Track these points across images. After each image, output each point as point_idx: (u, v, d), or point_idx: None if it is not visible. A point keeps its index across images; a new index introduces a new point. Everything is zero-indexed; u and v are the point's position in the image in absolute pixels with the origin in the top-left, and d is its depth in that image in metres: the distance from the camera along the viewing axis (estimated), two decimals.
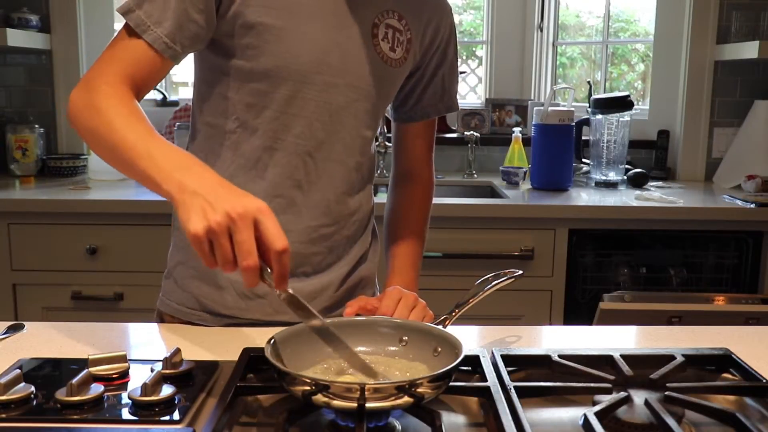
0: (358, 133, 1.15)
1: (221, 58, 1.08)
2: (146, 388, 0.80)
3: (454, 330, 0.92)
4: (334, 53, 1.09)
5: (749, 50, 2.42)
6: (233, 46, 1.06)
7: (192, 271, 1.16)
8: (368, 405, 0.71)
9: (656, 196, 2.32)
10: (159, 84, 3.01)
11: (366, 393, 0.71)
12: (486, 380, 0.84)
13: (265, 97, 1.08)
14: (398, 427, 0.77)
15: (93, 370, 0.87)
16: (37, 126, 2.65)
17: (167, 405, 0.81)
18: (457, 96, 1.32)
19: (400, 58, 1.15)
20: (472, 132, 2.79)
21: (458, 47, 1.28)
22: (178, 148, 0.91)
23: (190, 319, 1.17)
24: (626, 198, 2.34)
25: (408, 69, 1.20)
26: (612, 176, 2.58)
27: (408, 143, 1.31)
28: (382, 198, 1.39)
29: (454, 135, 2.87)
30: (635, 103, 2.60)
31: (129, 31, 1.01)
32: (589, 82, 2.87)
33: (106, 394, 0.83)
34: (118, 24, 2.83)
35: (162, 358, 0.89)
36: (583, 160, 2.70)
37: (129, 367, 0.90)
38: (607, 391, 0.83)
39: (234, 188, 0.83)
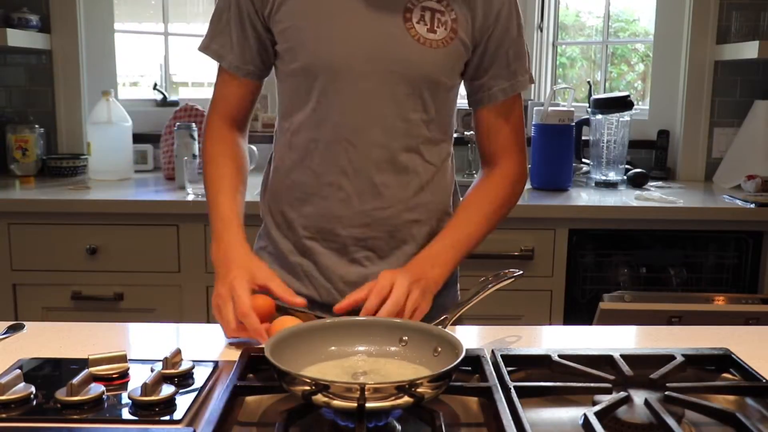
0: (401, 116, 1.16)
1: (277, 66, 1.22)
2: (146, 388, 0.80)
3: (454, 330, 0.92)
4: (362, 42, 1.12)
5: (749, 50, 2.42)
6: (279, 52, 1.18)
7: (270, 256, 1.28)
8: (368, 405, 0.71)
9: (656, 196, 2.32)
10: (160, 84, 3.01)
11: (366, 393, 0.71)
12: (486, 380, 0.84)
13: (304, 94, 1.16)
14: (398, 427, 0.77)
15: (93, 370, 0.87)
16: (37, 126, 2.64)
17: (167, 405, 0.81)
18: (530, 74, 1.24)
19: (444, 38, 1.14)
20: (472, 132, 2.78)
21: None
22: (227, 211, 1.18)
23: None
24: (626, 198, 2.33)
25: (460, 48, 1.16)
26: (612, 176, 2.58)
27: (484, 130, 1.26)
28: None
29: (455, 135, 2.86)
30: (635, 103, 2.60)
31: (218, 70, 1.25)
32: (589, 82, 2.87)
33: (106, 394, 0.83)
34: (119, 24, 2.84)
35: (162, 358, 0.89)
36: (583, 160, 2.70)
37: (129, 367, 0.90)
38: (607, 391, 0.83)
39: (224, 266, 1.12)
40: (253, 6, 1.17)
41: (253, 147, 2.28)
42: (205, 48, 1.23)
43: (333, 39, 1.13)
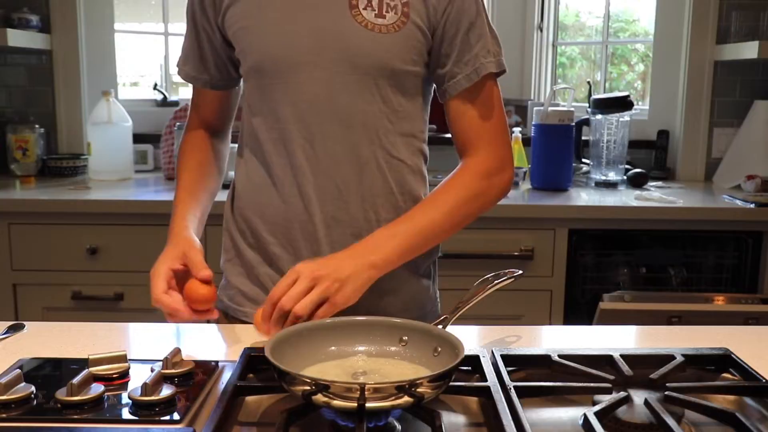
0: (357, 107, 1.11)
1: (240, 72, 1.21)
2: (146, 388, 0.80)
3: (454, 330, 0.92)
4: (307, 34, 1.10)
5: (749, 50, 2.42)
6: (237, 56, 1.18)
7: (238, 268, 1.23)
8: (368, 405, 0.71)
9: (656, 196, 2.32)
10: (160, 84, 3.01)
11: (366, 393, 0.71)
12: (486, 380, 0.84)
13: (258, 94, 1.15)
14: (398, 427, 0.77)
15: (93, 369, 0.87)
16: (37, 126, 2.64)
17: (167, 405, 0.81)
18: (496, 57, 1.14)
19: (395, 23, 1.09)
20: None
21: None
22: (187, 209, 1.19)
23: (237, 315, 1.22)
24: (626, 198, 2.34)
25: (416, 32, 1.11)
26: (612, 176, 2.58)
27: (452, 121, 1.18)
28: None
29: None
30: (635, 103, 2.60)
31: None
32: (588, 82, 2.87)
33: (106, 393, 0.83)
34: (119, 24, 2.84)
35: (162, 358, 0.89)
36: (583, 160, 2.70)
37: (129, 367, 0.90)
38: (607, 391, 0.83)
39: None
40: (207, 18, 1.17)
41: None
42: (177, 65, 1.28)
43: (277, 34, 1.10)
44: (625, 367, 0.89)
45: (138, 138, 2.67)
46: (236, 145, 1.25)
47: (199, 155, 1.26)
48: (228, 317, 1.23)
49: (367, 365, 0.87)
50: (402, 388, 0.72)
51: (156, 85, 3.00)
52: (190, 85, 1.27)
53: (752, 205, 2.22)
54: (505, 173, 1.17)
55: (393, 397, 0.72)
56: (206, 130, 1.28)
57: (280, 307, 0.96)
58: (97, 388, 0.82)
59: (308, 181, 1.13)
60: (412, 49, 1.11)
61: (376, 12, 1.09)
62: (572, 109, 2.49)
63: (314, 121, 1.11)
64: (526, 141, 2.69)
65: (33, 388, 0.83)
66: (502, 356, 0.92)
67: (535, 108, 2.50)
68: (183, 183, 1.22)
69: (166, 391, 0.82)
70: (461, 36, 1.12)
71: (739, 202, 2.27)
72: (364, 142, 1.12)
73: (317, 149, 1.12)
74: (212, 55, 1.21)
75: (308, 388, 0.73)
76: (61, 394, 0.81)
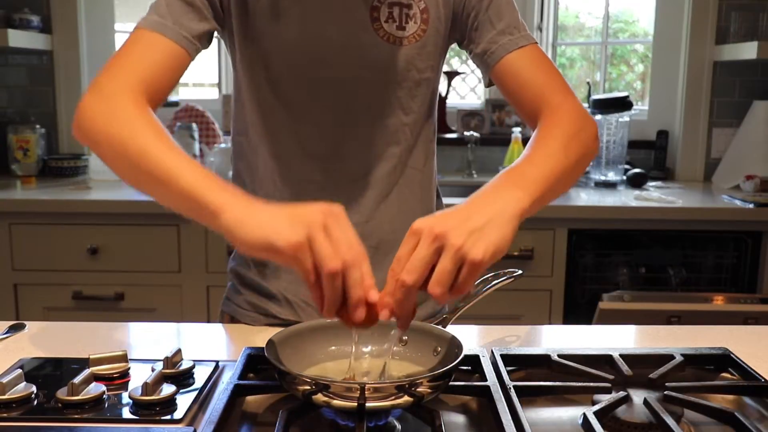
0: (377, 123, 1.10)
1: (240, 77, 1.11)
2: (147, 388, 0.80)
3: (454, 330, 0.93)
4: (327, 48, 1.06)
5: (748, 51, 2.43)
6: (242, 59, 1.09)
7: (246, 279, 1.18)
8: (368, 405, 0.72)
9: (655, 196, 2.32)
10: None
11: (366, 393, 0.71)
12: (486, 380, 0.85)
13: (271, 107, 1.09)
14: (398, 426, 0.78)
15: (94, 369, 0.87)
16: (38, 126, 2.64)
17: (167, 404, 0.81)
18: (520, 29, 1.08)
19: (416, 32, 1.08)
20: (471, 132, 2.79)
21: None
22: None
23: (245, 320, 1.18)
24: (625, 198, 2.34)
25: (435, 38, 1.10)
26: (611, 176, 2.59)
27: (509, 84, 1.08)
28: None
29: (454, 135, 2.87)
30: (634, 103, 2.60)
31: (140, 35, 0.99)
32: (588, 83, 2.87)
33: (106, 393, 0.83)
34: (119, 24, 2.83)
35: (162, 358, 0.89)
36: None
37: (129, 367, 0.90)
38: (607, 391, 0.83)
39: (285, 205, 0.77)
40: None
41: None
42: (143, 19, 1.02)
43: (298, 48, 1.06)
44: (624, 367, 0.89)
45: None
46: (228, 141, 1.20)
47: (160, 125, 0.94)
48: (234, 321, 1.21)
49: (368, 365, 0.87)
50: (402, 388, 0.72)
51: None
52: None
53: (751, 205, 2.22)
54: (592, 125, 1.02)
55: (393, 397, 0.73)
56: (147, 97, 0.94)
57: (402, 283, 0.73)
58: (97, 388, 0.83)
59: (327, 196, 1.10)
60: (429, 56, 1.11)
61: (397, 24, 1.07)
62: None
63: (335, 138, 1.10)
64: (526, 141, 2.68)
65: (34, 388, 0.83)
66: (502, 356, 0.92)
67: None
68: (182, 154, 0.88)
69: (167, 390, 0.82)
70: (484, 18, 1.08)
71: (738, 202, 2.27)
72: (384, 156, 1.12)
73: (336, 166, 1.11)
74: (201, 25, 1.02)
75: (308, 388, 0.73)
76: (62, 394, 0.81)
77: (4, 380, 0.81)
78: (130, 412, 0.80)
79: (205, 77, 3.19)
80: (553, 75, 1.06)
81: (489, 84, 1.13)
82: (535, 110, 1.03)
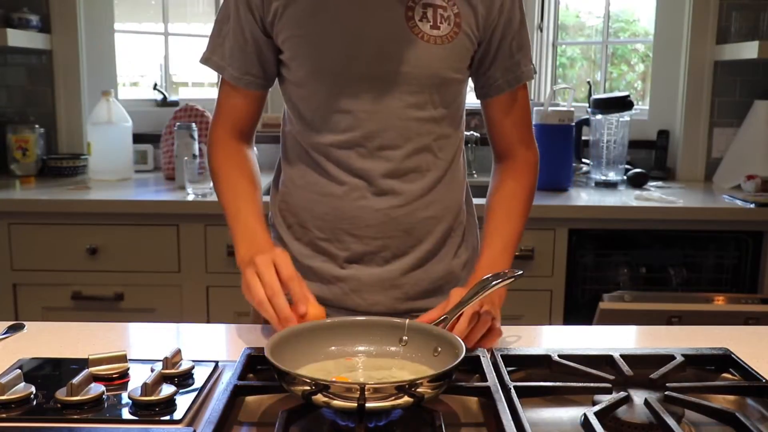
0: (411, 117, 1.15)
1: (282, 74, 1.20)
2: (146, 388, 0.80)
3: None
4: (363, 45, 1.11)
5: (749, 50, 2.42)
6: (284, 61, 1.17)
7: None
8: (368, 405, 0.71)
9: (656, 196, 2.32)
10: (160, 84, 3.01)
11: (366, 393, 0.71)
12: (486, 380, 0.84)
13: (312, 101, 1.16)
14: (398, 427, 0.77)
15: (93, 369, 0.87)
16: (37, 126, 2.65)
17: (167, 405, 0.81)
18: (527, 61, 1.23)
19: (449, 34, 1.13)
20: (472, 132, 2.79)
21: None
22: (249, 217, 1.15)
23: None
24: (626, 198, 2.34)
25: (466, 41, 1.16)
26: (612, 176, 2.58)
27: (494, 122, 1.26)
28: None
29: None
30: (635, 103, 2.60)
31: (225, 90, 1.23)
32: (588, 82, 2.87)
33: (106, 393, 0.83)
34: (119, 24, 2.84)
35: (162, 358, 0.89)
36: (583, 160, 2.70)
37: (129, 367, 0.90)
38: (607, 391, 0.83)
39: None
40: (253, 17, 1.15)
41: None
42: (206, 60, 1.23)
43: (335, 45, 1.11)
44: (625, 367, 0.89)
45: (138, 138, 2.67)
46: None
47: (249, 171, 1.23)
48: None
49: (368, 365, 0.87)
50: (402, 388, 0.72)
51: (156, 85, 3.00)
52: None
53: (752, 205, 2.22)
54: (537, 169, 1.29)
55: (393, 397, 0.72)
56: (239, 137, 1.24)
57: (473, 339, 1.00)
58: (97, 388, 0.82)
59: (363, 182, 1.16)
60: (461, 58, 1.17)
61: (432, 23, 1.12)
62: (572, 109, 2.49)
63: (371, 130, 1.14)
64: None
65: (33, 388, 0.83)
66: (502, 356, 0.92)
67: (535, 108, 2.50)
68: (243, 197, 1.18)
69: (166, 391, 0.82)
70: (506, 45, 1.19)
71: (739, 202, 2.27)
72: (417, 148, 1.16)
73: (373, 155, 1.15)
74: (257, 56, 1.18)
75: (308, 388, 0.73)
76: (61, 394, 0.81)
77: (3, 380, 0.81)
78: (130, 412, 0.80)
79: (205, 77, 3.20)
80: (523, 125, 1.26)
81: (478, 97, 1.27)
82: (502, 151, 1.27)
